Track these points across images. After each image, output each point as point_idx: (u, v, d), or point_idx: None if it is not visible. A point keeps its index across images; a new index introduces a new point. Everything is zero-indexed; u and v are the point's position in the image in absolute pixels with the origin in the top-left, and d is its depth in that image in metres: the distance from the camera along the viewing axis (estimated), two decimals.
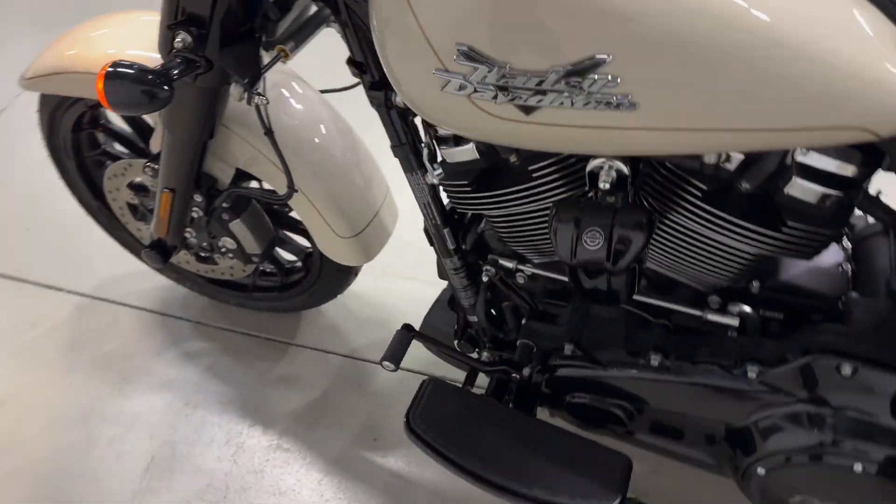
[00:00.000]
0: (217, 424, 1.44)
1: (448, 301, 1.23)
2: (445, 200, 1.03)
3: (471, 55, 0.66)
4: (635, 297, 0.93)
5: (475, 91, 0.68)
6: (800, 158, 0.77)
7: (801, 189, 0.78)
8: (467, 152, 0.92)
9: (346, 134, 1.24)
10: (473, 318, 1.15)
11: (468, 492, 1.16)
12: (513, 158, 0.91)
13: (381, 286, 1.64)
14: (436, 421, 1.03)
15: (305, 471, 1.36)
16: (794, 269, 0.94)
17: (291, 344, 1.59)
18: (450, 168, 0.96)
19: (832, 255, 0.96)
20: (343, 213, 1.22)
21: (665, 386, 0.94)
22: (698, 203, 0.81)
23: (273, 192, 1.20)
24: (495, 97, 0.68)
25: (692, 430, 0.98)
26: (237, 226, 1.26)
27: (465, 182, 0.94)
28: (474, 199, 0.96)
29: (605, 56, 0.62)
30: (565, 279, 0.99)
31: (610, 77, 0.64)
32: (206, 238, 1.30)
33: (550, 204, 0.90)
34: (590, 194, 0.83)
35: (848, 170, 0.76)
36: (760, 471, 0.89)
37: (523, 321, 1.07)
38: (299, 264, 1.49)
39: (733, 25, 0.61)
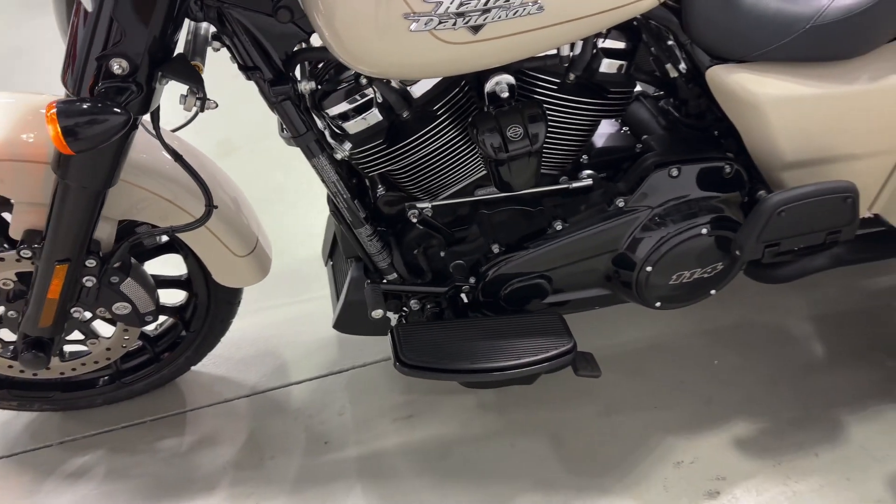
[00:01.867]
0: None
1: (348, 298, 1.31)
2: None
3: None
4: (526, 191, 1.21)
5: (439, 23, 0.88)
6: (601, 45, 1.15)
7: (609, 65, 1.15)
8: (372, 116, 1.10)
9: (205, 159, 1.28)
10: (391, 276, 1.30)
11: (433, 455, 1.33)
12: (406, 114, 1.12)
13: (245, 324, 1.65)
14: (419, 350, 1.18)
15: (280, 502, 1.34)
16: (601, 142, 1.32)
17: (186, 411, 1.51)
18: (357, 138, 1.12)
19: (611, 126, 1.37)
20: (237, 231, 1.25)
21: (569, 243, 1.24)
22: (556, 94, 1.13)
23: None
24: (454, 24, 0.88)
25: (592, 275, 1.29)
26: (129, 285, 1.20)
27: (380, 141, 1.12)
28: (387, 156, 1.14)
29: None
30: (469, 200, 1.23)
31: None
32: (91, 312, 1.21)
33: (452, 136, 1.14)
34: (487, 108, 1.10)
35: (627, 44, 1.17)
36: (648, 268, 1.24)
37: (443, 251, 1.27)
38: (168, 323, 1.44)
39: None
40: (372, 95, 1.09)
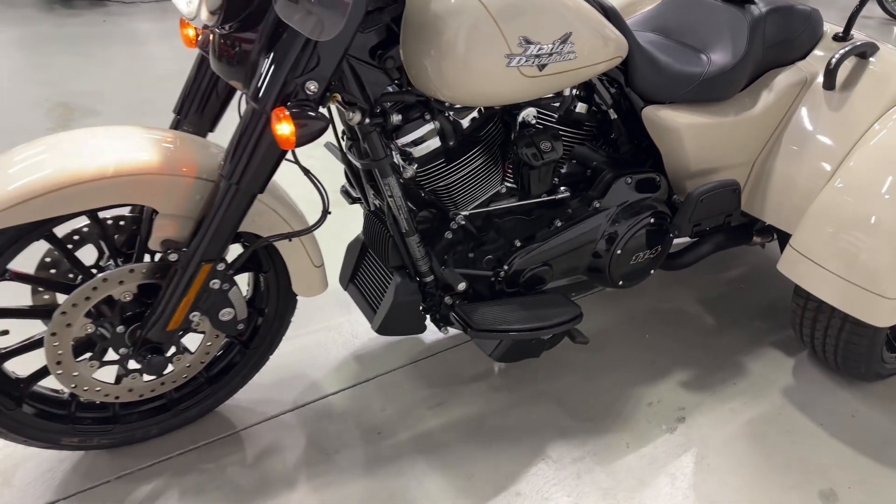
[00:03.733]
0: None
1: (395, 301, 1.55)
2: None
3: (527, 41, 1.28)
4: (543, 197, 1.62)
5: (524, 62, 1.29)
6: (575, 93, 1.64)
7: (580, 107, 1.65)
8: (434, 142, 1.46)
9: None
10: (429, 279, 1.60)
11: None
12: (454, 141, 1.49)
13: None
14: (481, 321, 1.50)
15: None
16: (565, 168, 1.80)
17: (239, 431, 1.61)
18: (421, 161, 1.46)
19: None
20: (315, 241, 1.50)
21: (565, 236, 1.66)
22: (554, 125, 1.60)
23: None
24: (533, 63, 1.31)
25: (575, 264, 1.72)
26: (234, 292, 1.37)
27: (438, 162, 1.48)
28: (441, 174, 1.49)
29: (570, 31, 1.35)
30: (505, 205, 1.60)
31: (572, 42, 1.35)
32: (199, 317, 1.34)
33: (486, 157, 1.53)
34: (522, 132, 1.52)
35: (588, 94, 1.68)
36: (618, 251, 1.70)
37: (472, 251, 1.61)
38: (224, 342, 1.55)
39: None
40: (433, 127, 1.45)
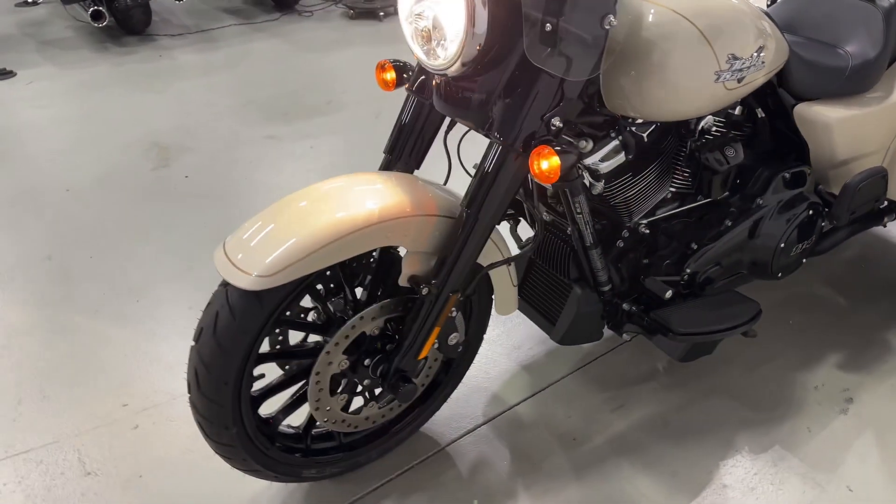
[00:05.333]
0: None
1: (578, 312, 1.63)
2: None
3: (734, 56, 1.35)
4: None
5: (729, 76, 1.37)
6: None
7: (738, 110, 1.72)
8: (620, 157, 1.53)
9: None
10: (607, 288, 1.67)
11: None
12: (634, 154, 1.56)
13: None
14: (679, 325, 1.57)
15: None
16: None
17: (444, 447, 1.68)
18: (608, 175, 1.53)
19: None
20: (513, 265, 1.57)
21: (734, 235, 1.73)
22: (725, 129, 1.67)
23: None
24: (735, 77, 1.38)
25: (739, 260, 1.79)
26: (459, 317, 1.44)
27: (627, 174, 1.55)
28: (629, 185, 1.56)
29: (763, 43, 1.42)
30: (679, 210, 1.66)
31: (764, 52, 1.43)
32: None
33: (662, 167, 1.60)
34: (700, 141, 1.59)
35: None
36: (782, 245, 1.77)
37: (647, 257, 1.68)
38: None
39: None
40: (619, 143, 1.52)
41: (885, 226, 2.21)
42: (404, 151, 1.47)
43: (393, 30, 4.89)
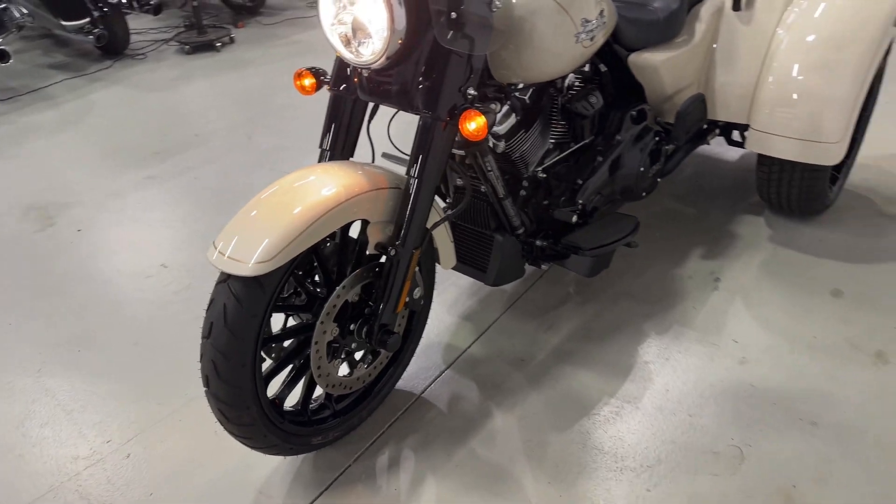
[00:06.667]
0: None
1: (502, 256, 1.96)
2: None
3: (586, 20, 1.70)
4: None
5: (582, 36, 1.72)
6: None
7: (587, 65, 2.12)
8: (513, 119, 1.85)
9: None
10: (522, 231, 1.99)
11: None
12: (522, 114, 1.89)
13: None
14: (584, 243, 1.93)
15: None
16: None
17: (420, 395, 1.92)
18: (504, 136, 1.85)
19: None
20: (447, 223, 1.84)
21: (608, 166, 2.12)
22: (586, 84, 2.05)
23: None
24: (589, 37, 1.73)
25: (612, 188, 2.19)
26: (417, 272, 1.69)
27: (521, 131, 1.87)
28: (522, 141, 1.89)
29: (602, 7, 1.79)
30: (560, 154, 2.02)
31: (604, 14, 1.80)
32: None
33: (547, 117, 1.95)
34: (568, 95, 1.95)
35: None
36: (642, 168, 2.19)
37: (546, 199, 2.02)
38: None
39: None
40: (508, 107, 1.84)
41: (708, 143, 2.74)
42: (336, 143, 1.69)
43: (234, 57, 4.98)
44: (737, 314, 2.15)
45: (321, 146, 1.71)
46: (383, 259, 1.60)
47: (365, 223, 1.56)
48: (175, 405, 1.92)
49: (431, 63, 1.49)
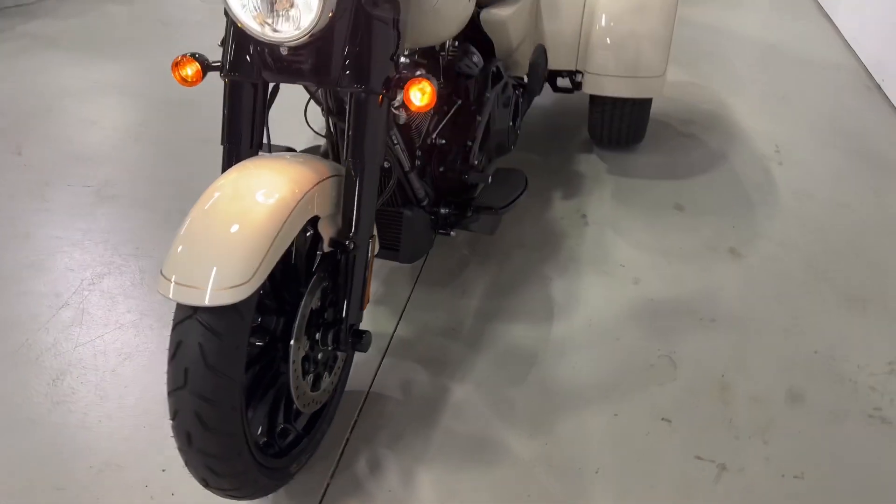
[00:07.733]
0: None
1: (413, 230, 1.91)
2: None
3: None
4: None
5: None
6: None
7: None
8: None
9: None
10: (426, 201, 1.96)
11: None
12: None
13: None
14: (490, 202, 1.97)
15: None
16: None
17: (368, 389, 1.83)
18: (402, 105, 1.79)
19: None
20: None
21: (487, 126, 2.16)
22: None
23: None
24: None
25: (493, 145, 2.24)
26: None
27: None
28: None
29: None
30: (447, 117, 2.00)
31: None
32: None
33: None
34: (450, 56, 1.93)
35: None
36: (510, 123, 2.27)
37: (441, 166, 2.01)
38: None
39: None
40: None
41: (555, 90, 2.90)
42: (242, 136, 1.48)
43: None
44: (613, 242, 2.36)
45: (224, 142, 1.49)
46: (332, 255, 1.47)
47: (315, 220, 1.41)
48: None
49: (355, 32, 1.37)
